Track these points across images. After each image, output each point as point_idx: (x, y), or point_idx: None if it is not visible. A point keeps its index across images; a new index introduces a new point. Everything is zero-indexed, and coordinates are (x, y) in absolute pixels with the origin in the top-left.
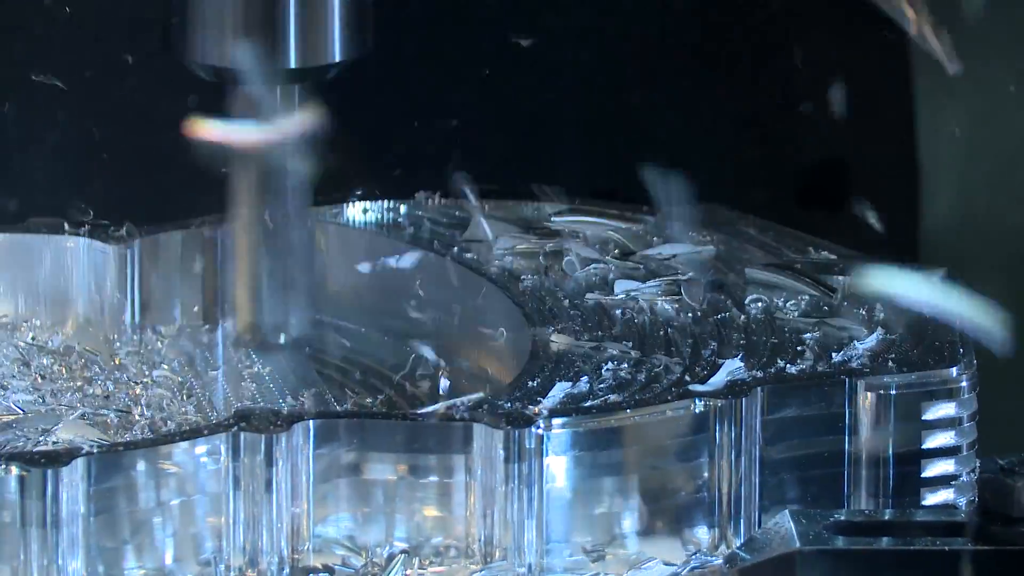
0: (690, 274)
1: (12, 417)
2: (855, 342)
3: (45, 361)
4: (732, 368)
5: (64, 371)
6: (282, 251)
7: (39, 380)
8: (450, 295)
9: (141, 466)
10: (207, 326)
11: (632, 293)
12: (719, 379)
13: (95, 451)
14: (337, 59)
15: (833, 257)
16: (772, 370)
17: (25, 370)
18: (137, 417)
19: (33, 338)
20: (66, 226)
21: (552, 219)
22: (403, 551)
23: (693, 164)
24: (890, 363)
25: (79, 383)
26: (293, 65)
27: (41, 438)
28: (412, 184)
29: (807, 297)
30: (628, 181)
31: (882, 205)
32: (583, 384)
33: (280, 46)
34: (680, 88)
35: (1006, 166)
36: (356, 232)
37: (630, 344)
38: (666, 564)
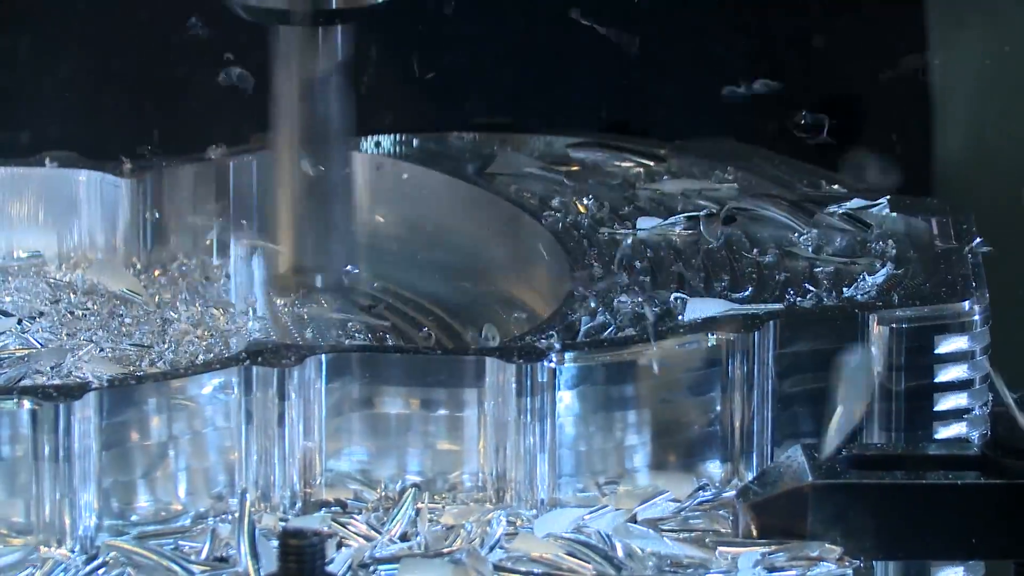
0: (708, 210)
1: (27, 351)
2: (865, 275)
3: (70, 297)
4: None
5: (87, 306)
6: (322, 194)
7: (67, 316)
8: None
9: (153, 400)
10: (223, 259)
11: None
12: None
13: (107, 384)
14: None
15: (844, 191)
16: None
17: (50, 306)
18: (156, 352)
19: (53, 275)
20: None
21: (569, 152)
22: (414, 485)
23: (706, 98)
24: (903, 297)
25: (102, 318)
26: (333, 5)
27: (53, 371)
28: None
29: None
30: (641, 114)
31: (895, 139)
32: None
33: None
34: (693, 24)
35: (1019, 100)
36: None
37: (647, 279)
38: (676, 498)
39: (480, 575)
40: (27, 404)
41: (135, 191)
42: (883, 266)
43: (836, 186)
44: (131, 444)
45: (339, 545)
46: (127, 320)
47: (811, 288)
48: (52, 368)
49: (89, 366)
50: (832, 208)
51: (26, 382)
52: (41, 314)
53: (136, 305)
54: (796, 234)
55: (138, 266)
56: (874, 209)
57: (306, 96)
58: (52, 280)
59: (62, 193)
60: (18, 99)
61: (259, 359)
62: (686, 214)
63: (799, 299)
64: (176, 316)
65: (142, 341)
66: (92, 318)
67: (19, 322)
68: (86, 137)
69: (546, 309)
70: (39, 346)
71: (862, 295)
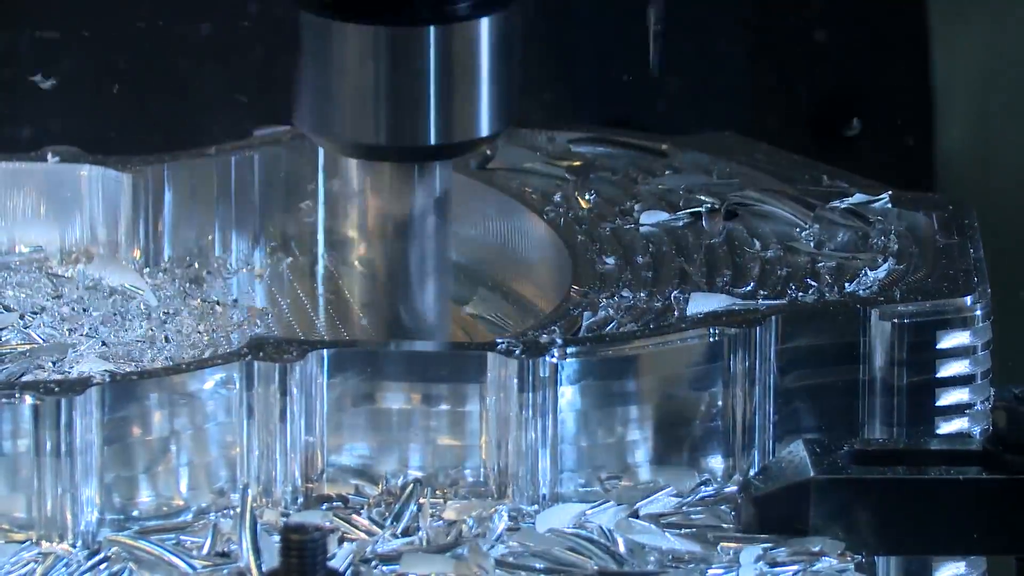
0: (710, 205)
1: (28, 347)
2: (867, 270)
3: (72, 293)
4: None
5: (88, 302)
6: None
7: (69, 312)
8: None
9: (155, 395)
10: (224, 254)
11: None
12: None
13: (108, 380)
14: (483, 134)
15: (845, 185)
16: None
17: (51, 301)
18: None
19: (55, 271)
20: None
21: (571, 147)
22: (416, 481)
23: (707, 92)
24: (904, 292)
25: (104, 314)
26: (433, 142)
27: (55, 367)
28: None
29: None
30: (642, 109)
31: (897, 132)
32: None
33: (421, 122)
34: (694, 16)
35: (1020, 93)
36: None
37: (650, 275)
38: (677, 493)
39: (482, 570)
40: (29, 399)
41: (137, 186)
42: (884, 261)
43: (834, 181)
44: (133, 439)
45: (341, 540)
46: (129, 315)
47: (813, 283)
48: (54, 363)
49: (89, 363)
50: (834, 203)
51: (27, 378)
52: (43, 309)
53: (139, 300)
54: (798, 229)
55: (139, 260)
56: (876, 204)
57: (400, 233)
58: (55, 275)
59: (63, 188)
60: (19, 93)
61: (260, 354)
62: (690, 209)
63: (800, 294)
64: (179, 311)
65: (147, 335)
66: (94, 313)
67: (21, 317)
68: (88, 131)
69: (548, 305)
70: (41, 342)
71: (864, 290)
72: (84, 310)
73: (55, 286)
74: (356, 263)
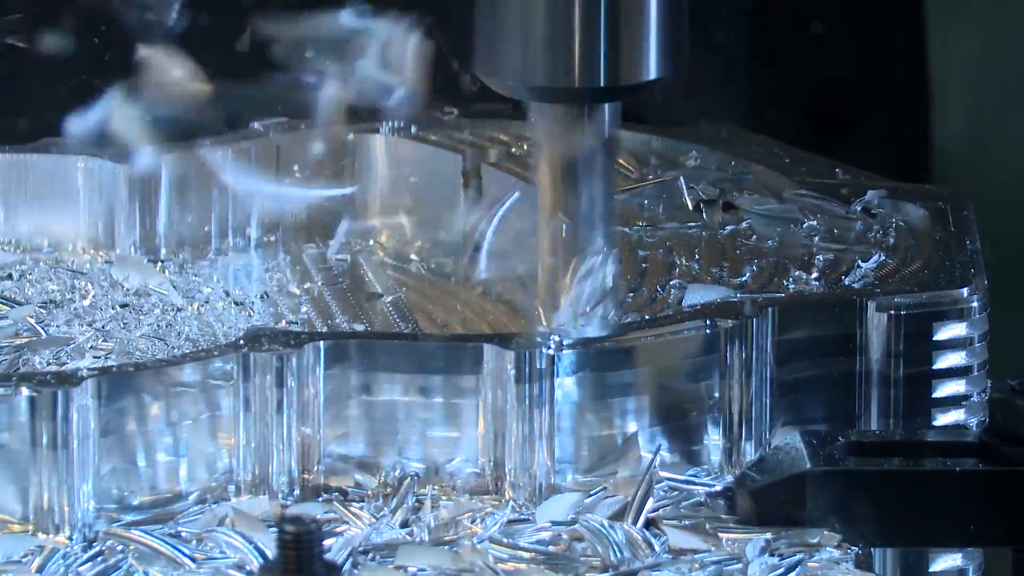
0: (707, 196)
1: (27, 339)
2: (860, 263)
3: (71, 286)
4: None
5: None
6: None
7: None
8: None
9: (151, 387)
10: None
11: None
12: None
13: (105, 371)
14: (651, 77)
15: (846, 177)
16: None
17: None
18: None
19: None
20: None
21: None
22: (414, 474)
23: (704, 84)
24: (901, 283)
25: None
26: (603, 83)
27: (51, 357)
28: None
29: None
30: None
31: (893, 125)
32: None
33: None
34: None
35: (1016, 85)
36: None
37: (645, 267)
38: (675, 484)
39: (478, 562)
40: (25, 391)
41: (133, 177)
42: (882, 253)
43: (832, 172)
44: (129, 431)
45: (336, 532)
46: (134, 307)
47: (809, 275)
48: (51, 355)
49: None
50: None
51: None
52: (53, 303)
53: (144, 292)
54: (796, 221)
55: (135, 253)
56: (872, 196)
57: (568, 176)
58: (60, 268)
59: (60, 180)
60: (17, 84)
61: (257, 346)
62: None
63: (797, 286)
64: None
65: (156, 330)
66: (101, 306)
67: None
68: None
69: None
70: (43, 334)
71: (859, 281)
72: (89, 303)
73: (58, 279)
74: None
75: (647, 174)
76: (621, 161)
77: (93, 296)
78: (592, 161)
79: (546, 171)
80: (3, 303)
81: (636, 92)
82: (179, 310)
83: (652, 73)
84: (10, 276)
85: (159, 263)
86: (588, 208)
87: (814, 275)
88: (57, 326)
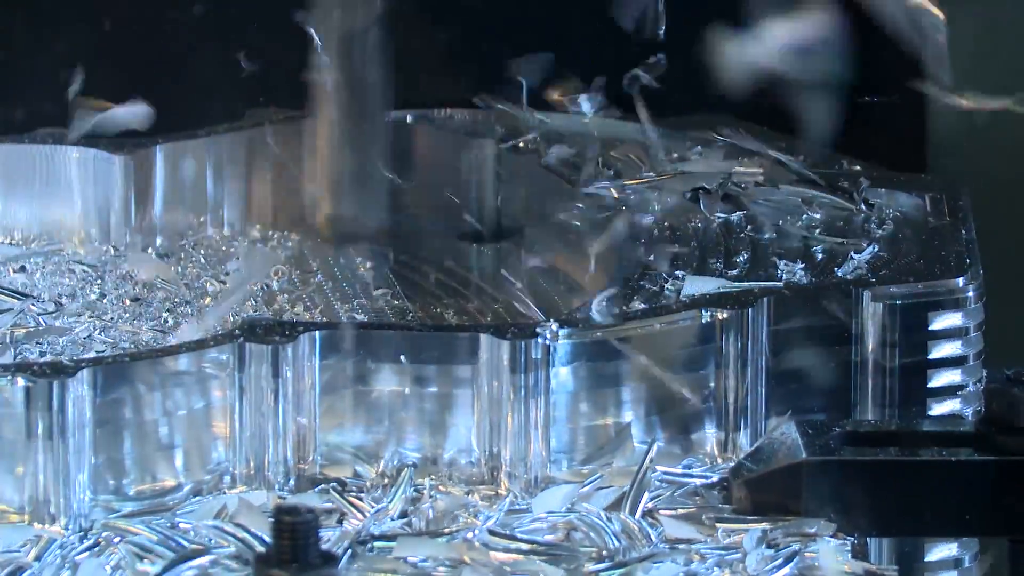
0: (706, 185)
1: (25, 329)
2: (853, 253)
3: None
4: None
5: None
6: (360, 148)
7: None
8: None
9: (147, 376)
10: (225, 233)
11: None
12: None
13: (100, 361)
14: None
15: (845, 168)
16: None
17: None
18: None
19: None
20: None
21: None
22: (411, 464)
23: (701, 75)
24: (896, 273)
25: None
26: None
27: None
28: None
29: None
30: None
31: (889, 117)
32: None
33: None
34: None
35: (1014, 73)
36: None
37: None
38: (670, 475)
39: (475, 552)
40: (21, 381)
41: (128, 168)
42: (876, 243)
43: (830, 163)
44: (125, 421)
45: (327, 523)
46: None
47: (805, 265)
48: (45, 344)
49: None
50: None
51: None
52: (70, 296)
53: (142, 283)
54: (794, 212)
55: (129, 243)
56: (868, 186)
57: (346, 51)
58: (80, 263)
59: (54, 170)
60: (11, 74)
61: (253, 336)
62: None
63: (793, 276)
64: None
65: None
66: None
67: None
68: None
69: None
70: (42, 324)
71: (855, 271)
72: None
73: (66, 271)
74: None
75: (655, 167)
76: (631, 155)
77: (102, 289)
78: (366, 34)
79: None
80: (11, 295)
81: None
82: (187, 303)
83: None
84: (23, 269)
85: (164, 256)
86: (362, 77)
87: (799, 265)
88: (65, 319)
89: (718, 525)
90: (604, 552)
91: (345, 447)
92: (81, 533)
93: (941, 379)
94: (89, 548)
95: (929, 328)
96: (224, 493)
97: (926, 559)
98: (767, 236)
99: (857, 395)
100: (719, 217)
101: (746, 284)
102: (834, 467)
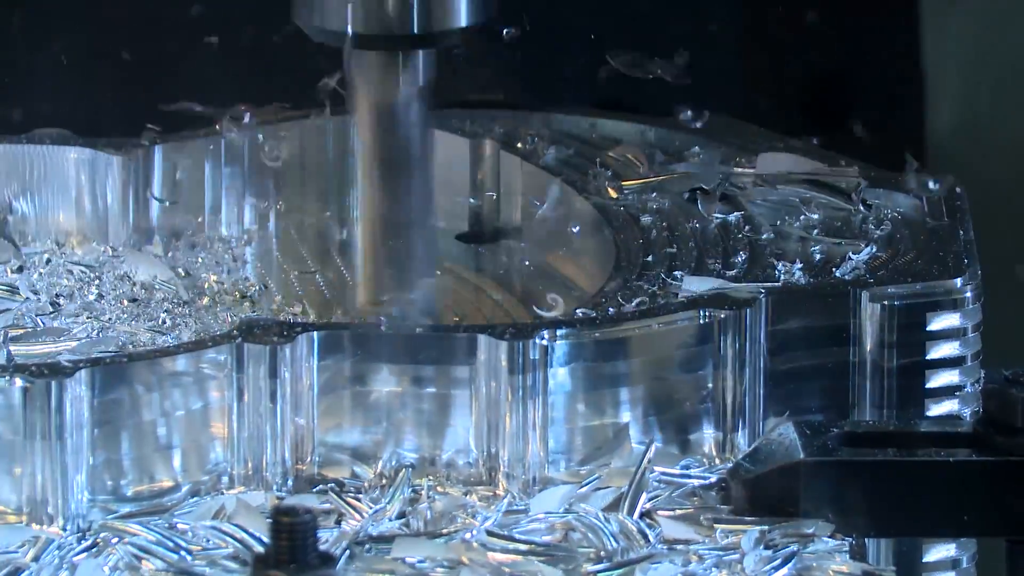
0: (703, 185)
1: (23, 330)
2: (851, 254)
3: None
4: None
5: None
6: (406, 224)
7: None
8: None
9: (145, 377)
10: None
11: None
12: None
13: (98, 361)
14: (463, 24)
15: (844, 168)
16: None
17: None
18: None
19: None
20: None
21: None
22: (409, 465)
23: (700, 74)
24: (894, 274)
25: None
26: (416, 31)
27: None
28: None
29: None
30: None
31: (887, 114)
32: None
33: (403, 10)
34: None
35: (1011, 74)
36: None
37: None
38: (668, 475)
39: (473, 553)
40: (19, 382)
41: (127, 168)
42: (874, 244)
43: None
44: (123, 422)
45: (325, 524)
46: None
47: (803, 265)
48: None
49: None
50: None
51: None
52: (66, 295)
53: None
54: (792, 212)
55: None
56: (866, 186)
57: (385, 123)
58: (79, 264)
59: (52, 170)
60: (9, 75)
61: (250, 336)
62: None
63: (791, 276)
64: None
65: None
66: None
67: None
68: (78, 114)
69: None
70: (41, 325)
71: (852, 272)
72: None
73: (66, 271)
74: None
75: (653, 167)
76: (629, 155)
77: (100, 289)
78: (408, 107)
79: (365, 118)
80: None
81: (448, 38)
82: (186, 303)
83: (463, 20)
84: (21, 269)
85: (163, 255)
86: (404, 152)
87: (798, 265)
88: (64, 319)
89: (716, 526)
90: (602, 553)
91: (342, 448)
92: (79, 534)
93: (939, 380)
94: (87, 549)
95: (927, 328)
96: (222, 494)
97: (924, 559)
98: (765, 236)
99: (855, 395)
100: (717, 218)
101: (745, 284)
102: (832, 467)
